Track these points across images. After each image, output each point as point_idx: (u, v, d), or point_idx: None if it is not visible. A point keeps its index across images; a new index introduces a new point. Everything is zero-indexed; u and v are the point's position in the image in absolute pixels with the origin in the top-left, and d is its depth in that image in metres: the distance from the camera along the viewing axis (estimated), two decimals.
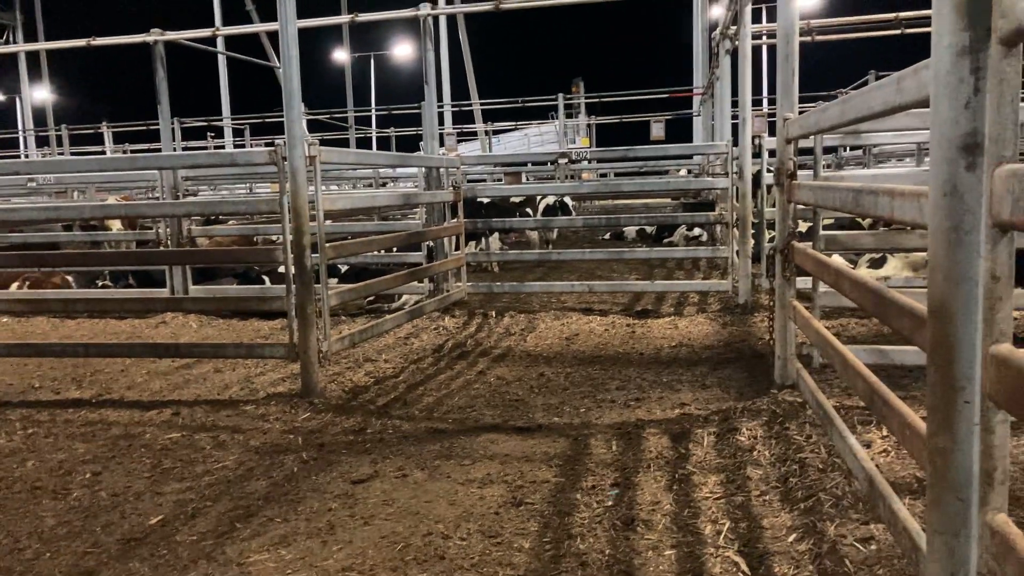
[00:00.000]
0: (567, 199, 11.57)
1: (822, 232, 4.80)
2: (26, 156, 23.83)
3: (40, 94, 30.21)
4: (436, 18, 10.11)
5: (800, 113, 4.79)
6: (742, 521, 3.38)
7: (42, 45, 17.43)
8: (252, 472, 4.23)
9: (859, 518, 3.24)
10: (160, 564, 3.24)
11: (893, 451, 3.92)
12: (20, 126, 28.33)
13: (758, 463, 3.99)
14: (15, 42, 29.87)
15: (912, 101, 2.36)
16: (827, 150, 12.59)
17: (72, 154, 22.14)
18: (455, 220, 8.65)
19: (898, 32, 10.95)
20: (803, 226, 7.16)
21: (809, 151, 5.31)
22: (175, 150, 15.46)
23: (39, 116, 29.44)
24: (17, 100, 30.14)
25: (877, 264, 7.81)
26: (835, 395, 4.81)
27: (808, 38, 11.27)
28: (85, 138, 22.70)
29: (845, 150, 13.19)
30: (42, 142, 25.23)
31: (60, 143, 22.88)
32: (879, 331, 6.75)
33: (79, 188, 12.73)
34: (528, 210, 11.52)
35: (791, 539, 3.17)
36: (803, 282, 5.15)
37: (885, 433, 4.07)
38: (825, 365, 5.14)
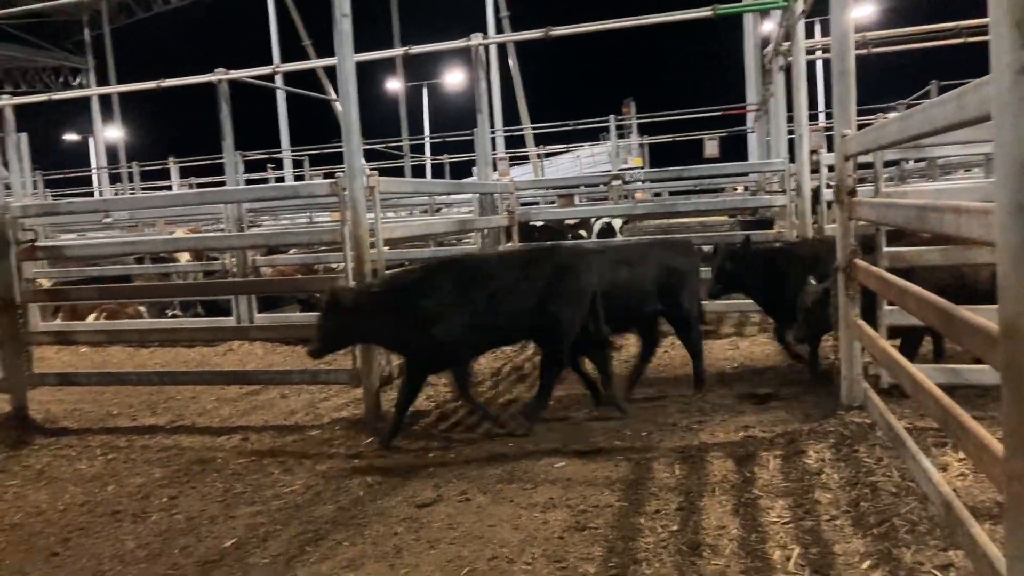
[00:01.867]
0: (614, 222, 11.55)
1: (885, 249, 4.70)
2: (99, 192, 24.94)
3: (112, 133, 31.68)
4: (487, 46, 10.31)
5: (859, 127, 4.72)
6: (812, 547, 3.32)
7: (114, 88, 18.30)
8: (320, 496, 4.34)
9: (937, 544, 3.15)
10: None
11: (971, 474, 3.80)
12: (93, 163, 29.71)
13: (827, 487, 3.91)
14: (88, 85, 31.48)
15: (974, 118, 2.32)
16: (889, 163, 12.30)
17: (142, 189, 23.10)
18: (510, 244, 8.73)
19: (960, 41, 10.67)
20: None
21: (870, 165, 5.22)
22: (238, 183, 16.02)
23: (111, 153, 30.87)
24: (90, 140, 31.66)
25: None
26: (906, 416, 4.68)
27: (864, 51, 11.07)
28: (153, 173, 23.65)
29: (908, 162, 12.84)
30: (114, 178, 26.40)
31: (131, 179, 23.90)
32: (951, 349, 6.54)
33: (149, 223, 13.29)
34: (582, 232, 11.54)
35: (865, 566, 3.10)
36: None
37: (962, 456, 3.94)
38: (894, 385, 5.00)
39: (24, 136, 13.88)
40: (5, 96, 11.76)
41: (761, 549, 3.34)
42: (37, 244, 6.66)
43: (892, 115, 6.33)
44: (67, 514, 4.31)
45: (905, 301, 3.49)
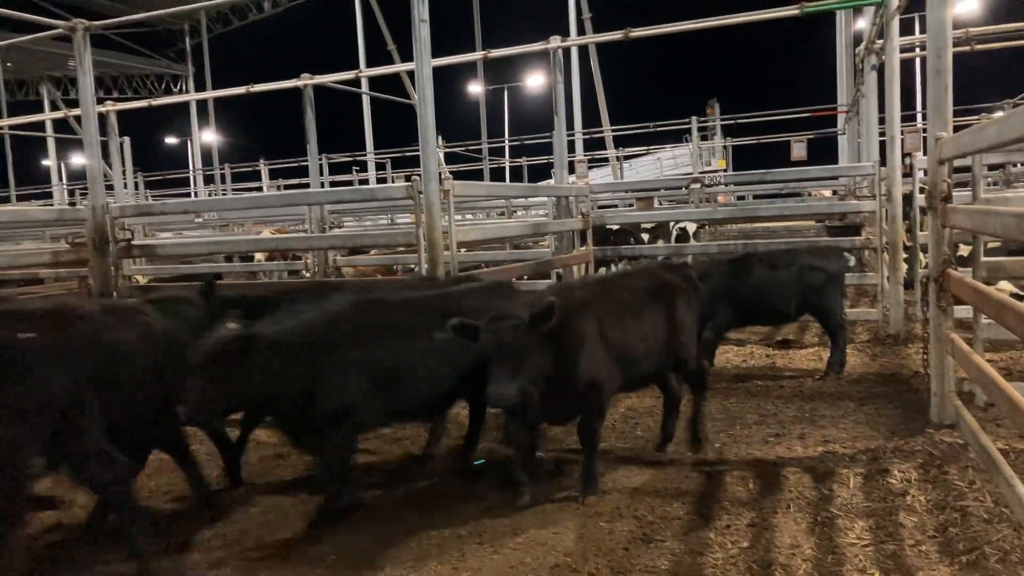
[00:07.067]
0: (688, 226, 11.30)
1: (983, 259, 4.42)
2: (195, 193, 26.19)
3: (208, 136, 33.24)
4: (566, 49, 10.27)
5: (957, 129, 4.46)
6: (893, 572, 3.14)
7: (210, 94, 19.14)
8: (386, 496, 4.38)
9: None
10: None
11: None
12: (190, 166, 31.27)
13: (912, 509, 3.70)
14: (187, 91, 33.11)
15: None
16: (994, 166, 11.61)
17: (233, 190, 24.12)
18: (584, 248, 8.66)
19: None
20: (964, 250, 6.62)
21: (968, 169, 4.93)
22: (322, 185, 16.48)
23: (206, 156, 32.38)
24: (188, 143, 33.32)
25: None
26: (1003, 436, 4.39)
27: (967, 48, 10.47)
28: (244, 175, 24.68)
29: (1016, 166, 12.08)
30: (208, 179, 27.66)
31: (224, 180, 24.99)
32: None
33: (238, 222, 13.82)
34: (643, 236, 11.33)
35: None
36: (964, 310, 4.75)
37: None
38: (990, 404, 4.70)
39: (127, 140, 14.70)
40: (109, 102, 12.44)
41: (838, 572, 3.18)
42: (133, 243, 7.02)
43: (995, 116, 5.98)
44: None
45: (1003, 316, 3.27)
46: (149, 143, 33.84)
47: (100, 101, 10.12)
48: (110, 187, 12.88)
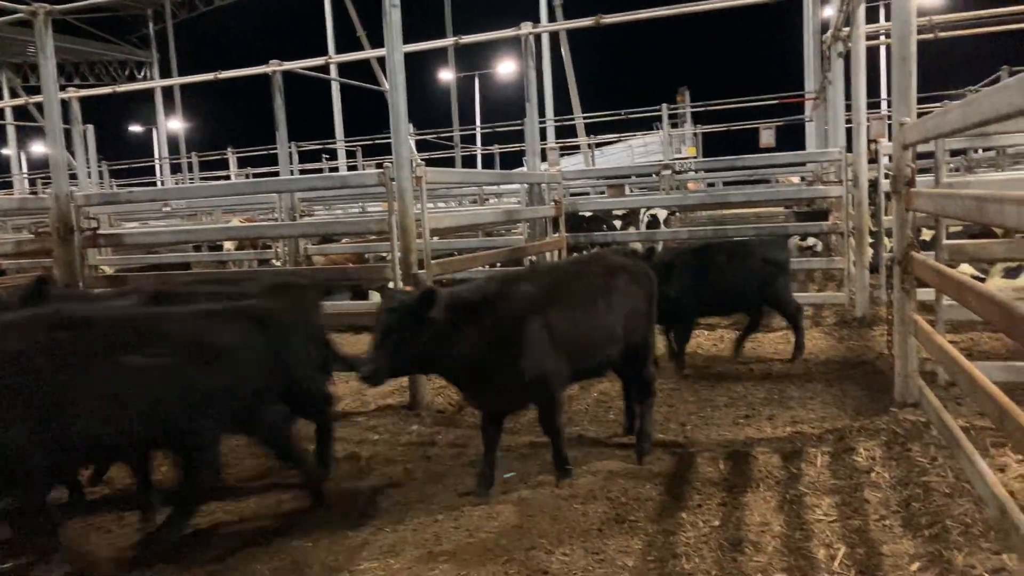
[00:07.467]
0: (659, 213, 11.38)
1: (945, 241, 4.52)
2: (161, 182, 25.74)
3: (174, 124, 32.67)
4: (538, 36, 10.24)
5: (921, 116, 4.54)
6: (859, 547, 3.23)
7: (175, 80, 18.84)
8: (362, 483, 4.39)
9: (990, 547, 3.03)
10: (278, 568, 3.42)
11: None
12: (156, 154, 30.71)
13: (877, 486, 3.80)
14: (152, 78, 32.46)
15: None
16: (956, 152, 11.83)
17: (201, 179, 23.73)
18: (556, 235, 8.69)
19: None
20: (927, 234, 6.75)
21: (932, 155, 5.03)
22: (292, 173, 16.29)
23: (173, 144, 31.82)
24: (153, 130, 32.70)
25: (1014, 274, 7.25)
26: (964, 415, 4.51)
27: (931, 35, 10.64)
28: (212, 164, 24.27)
29: (976, 151, 12.33)
30: (175, 168, 27.19)
31: (191, 169, 24.59)
32: (1017, 346, 6.27)
33: (207, 211, 13.64)
34: (631, 226, 11.40)
35: (914, 568, 3.00)
36: (927, 293, 4.87)
37: (1021, 456, 3.78)
38: (952, 383, 4.83)
39: (90, 127, 14.39)
40: (72, 88, 12.18)
41: (806, 547, 3.26)
42: (99, 232, 6.90)
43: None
44: None
45: (964, 297, 3.36)
46: (114, 131, 33.13)
47: (62, 88, 9.89)
48: (73, 176, 12.60)
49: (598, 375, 4.85)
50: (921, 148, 5.02)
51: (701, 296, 6.47)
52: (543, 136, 18.01)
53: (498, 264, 9.30)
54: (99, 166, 17.99)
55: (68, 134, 11.65)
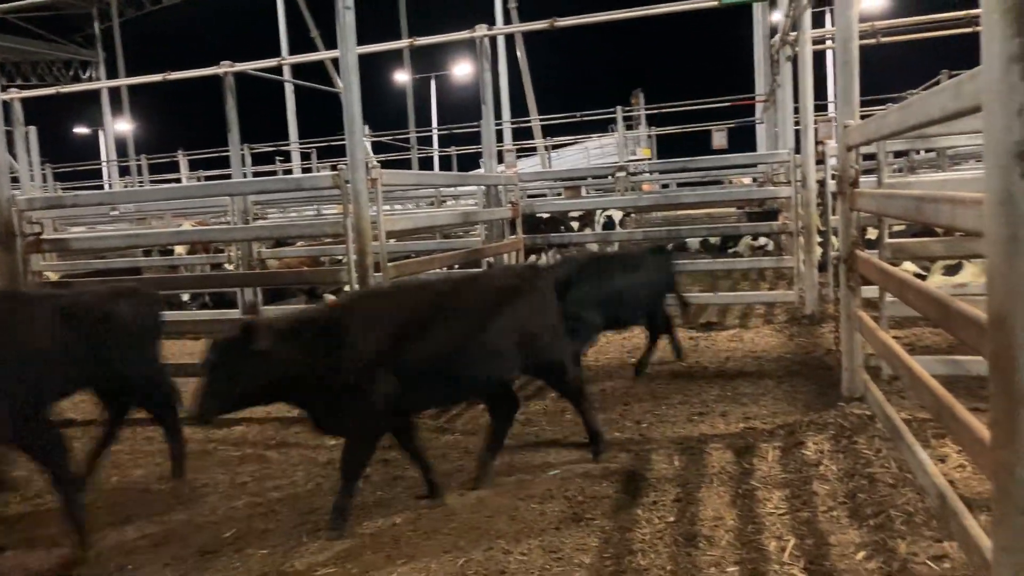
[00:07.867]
0: (614, 214, 11.53)
1: (888, 240, 4.67)
2: (109, 185, 25.10)
3: (121, 126, 31.87)
4: (493, 38, 10.26)
5: (866, 118, 4.68)
6: (808, 538, 3.32)
7: (123, 81, 18.40)
8: (320, 487, 4.36)
9: (932, 536, 3.14)
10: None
11: (969, 465, 3.78)
12: (103, 156, 29.93)
13: (825, 478, 3.90)
14: (98, 78, 31.62)
15: (970, 107, 2.30)
16: (899, 153, 12.20)
17: (151, 182, 23.18)
18: (514, 236, 8.73)
19: (971, 30, 10.56)
20: (873, 233, 6.96)
21: (876, 156, 5.19)
22: (245, 176, 16.06)
23: (120, 146, 31.04)
24: (100, 132, 31.85)
25: (953, 271, 7.52)
26: (907, 407, 4.66)
27: (873, 40, 10.97)
28: (162, 166, 23.74)
29: (919, 153, 12.73)
30: (123, 171, 26.53)
31: (140, 172, 24.03)
32: (956, 340, 6.50)
33: (157, 215, 13.35)
34: (588, 227, 11.52)
35: (860, 557, 3.09)
36: (872, 290, 5.01)
37: (960, 447, 3.92)
38: (895, 377, 4.99)
39: (33, 129, 13.98)
40: (14, 89, 11.81)
41: (757, 540, 3.34)
42: (43, 237, 6.71)
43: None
44: None
45: (904, 293, 3.48)
46: (58, 133, 32.21)
47: (4, 88, 9.59)
48: (15, 180, 12.23)
49: (482, 394, 4.56)
50: (866, 150, 5.17)
51: (601, 309, 6.01)
52: (499, 138, 18.10)
53: (456, 266, 9.31)
54: (43, 169, 17.49)
55: (10, 136, 11.31)
